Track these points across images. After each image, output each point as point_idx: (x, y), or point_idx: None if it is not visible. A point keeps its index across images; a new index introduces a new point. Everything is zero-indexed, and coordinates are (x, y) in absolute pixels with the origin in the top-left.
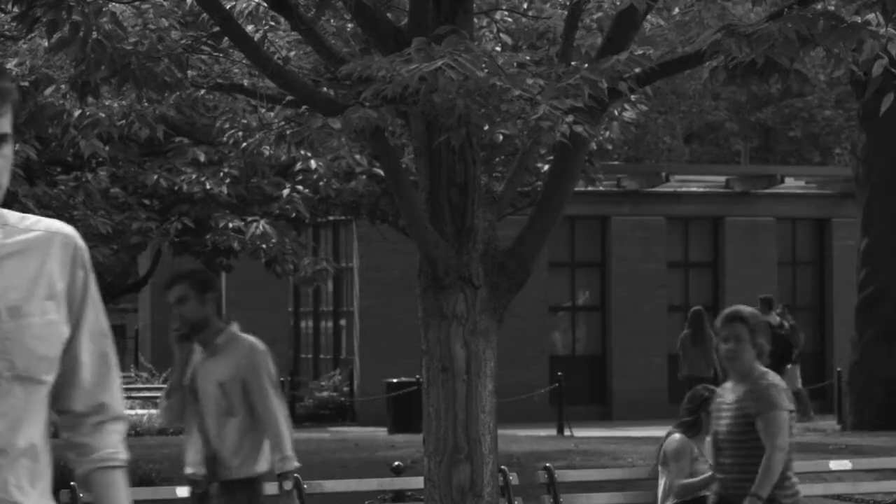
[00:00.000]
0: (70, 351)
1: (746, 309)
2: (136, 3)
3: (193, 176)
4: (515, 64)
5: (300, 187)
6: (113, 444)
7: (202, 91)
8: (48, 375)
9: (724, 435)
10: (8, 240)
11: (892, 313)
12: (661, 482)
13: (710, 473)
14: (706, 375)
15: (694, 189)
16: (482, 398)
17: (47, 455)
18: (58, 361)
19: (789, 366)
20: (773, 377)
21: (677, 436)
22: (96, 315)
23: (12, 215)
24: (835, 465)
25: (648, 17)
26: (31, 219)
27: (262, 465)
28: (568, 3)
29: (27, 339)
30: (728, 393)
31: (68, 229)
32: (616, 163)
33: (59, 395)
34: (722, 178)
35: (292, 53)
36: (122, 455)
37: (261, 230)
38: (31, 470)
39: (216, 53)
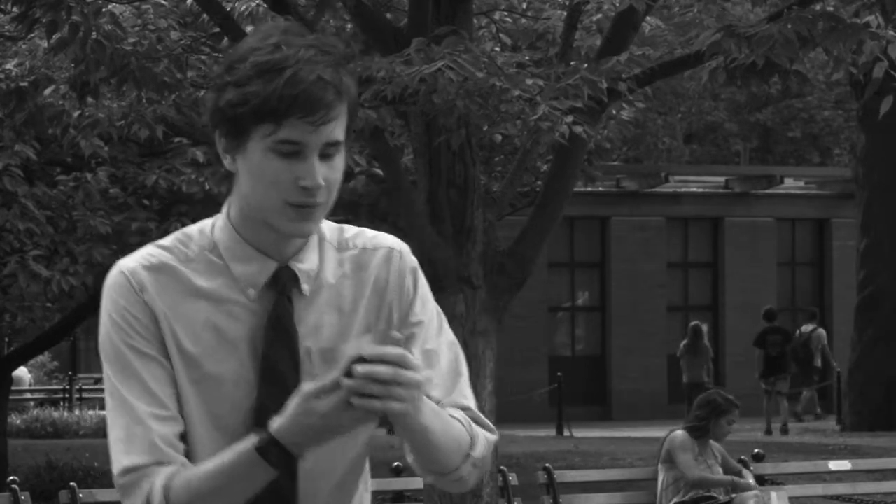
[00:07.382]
0: None
1: None
2: (136, 4)
3: (193, 176)
4: (515, 64)
5: None
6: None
7: (202, 91)
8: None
9: None
10: (322, 270)
11: (891, 313)
12: (660, 480)
13: (729, 477)
14: (703, 381)
15: (693, 189)
16: (481, 399)
17: None
18: None
19: None
20: None
21: (679, 432)
22: (435, 328)
23: (331, 231)
24: (834, 465)
25: (648, 18)
26: (350, 232)
27: None
28: (567, 4)
29: None
30: None
31: (391, 241)
32: (615, 163)
33: None
34: (721, 179)
35: None
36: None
37: None
38: None
39: (216, 54)
